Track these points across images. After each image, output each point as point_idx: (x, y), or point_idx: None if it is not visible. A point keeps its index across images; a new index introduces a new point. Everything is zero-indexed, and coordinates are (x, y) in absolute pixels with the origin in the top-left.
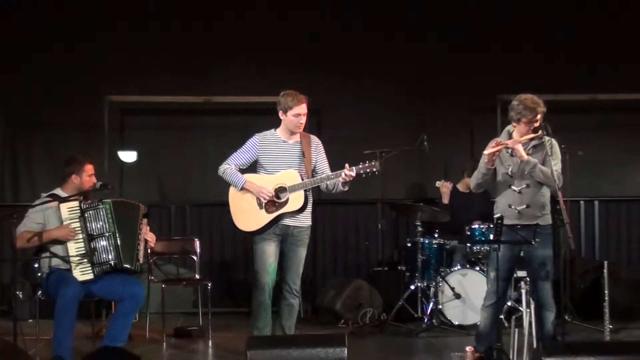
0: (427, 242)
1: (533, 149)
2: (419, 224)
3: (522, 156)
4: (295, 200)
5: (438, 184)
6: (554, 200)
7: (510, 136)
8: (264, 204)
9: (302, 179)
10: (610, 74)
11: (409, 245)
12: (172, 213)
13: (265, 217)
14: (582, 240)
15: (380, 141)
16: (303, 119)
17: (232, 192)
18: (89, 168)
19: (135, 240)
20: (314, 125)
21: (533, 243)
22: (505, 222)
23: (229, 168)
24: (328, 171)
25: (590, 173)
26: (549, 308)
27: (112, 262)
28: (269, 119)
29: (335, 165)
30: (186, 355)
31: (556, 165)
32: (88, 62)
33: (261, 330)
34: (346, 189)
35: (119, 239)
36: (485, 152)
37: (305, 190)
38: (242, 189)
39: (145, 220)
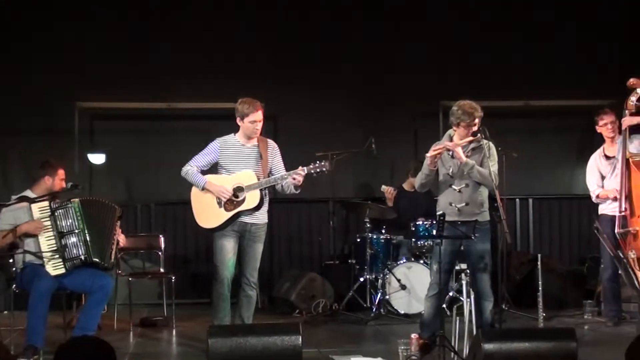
0: (375, 237)
1: (472, 151)
2: (368, 220)
3: (461, 158)
4: (251, 198)
5: (383, 188)
6: (491, 198)
7: (451, 139)
8: (223, 203)
9: (259, 179)
10: (542, 82)
11: (358, 240)
12: (138, 211)
13: (224, 215)
14: (517, 235)
15: (332, 143)
16: (259, 125)
17: (194, 192)
18: (62, 172)
19: (107, 237)
20: (270, 130)
21: (472, 238)
22: (447, 218)
23: (191, 169)
24: (282, 171)
25: (525, 173)
26: (488, 298)
27: (82, 257)
28: (227, 123)
29: (291, 166)
30: (152, 344)
31: (493, 166)
32: (58, 69)
33: (221, 319)
34: (298, 191)
35: (88, 235)
36: (428, 154)
37: (261, 190)
38: (203, 188)
39: (119, 223)
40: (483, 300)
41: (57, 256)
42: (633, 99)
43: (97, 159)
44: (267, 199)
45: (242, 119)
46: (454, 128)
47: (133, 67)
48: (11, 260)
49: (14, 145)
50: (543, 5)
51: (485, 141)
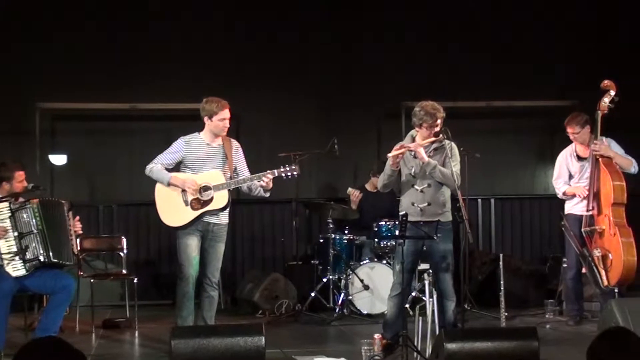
0: (338, 237)
1: (434, 151)
2: (331, 221)
3: (423, 158)
4: (219, 198)
5: (349, 191)
6: (454, 198)
7: (413, 140)
8: (189, 202)
9: (226, 180)
10: (504, 83)
11: (321, 240)
12: (100, 212)
13: (190, 214)
14: (479, 235)
15: (294, 144)
16: (227, 123)
17: (159, 189)
18: (19, 175)
19: (66, 235)
20: (232, 130)
21: (435, 238)
22: (409, 218)
23: (155, 166)
24: (247, 173)
25: (487, 174)
26: (450, 298)
27: (41, 258)
28: (189, 124)
29: (253, 166)
30: (114, 345)
31: (455, 166)
32: (19, 70)
33: (185, 319)
34: (267, 195)
35: (48, 235)
36: (390, 154)
37: (228, 190)
38: (169, 184)
39: (71, 214)
40: (445, 300)
41: (17, 257)
42: (606, 100)
43: (58, 160)
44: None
45: (210, 117)
46: (417, 129)
47: (95, 67)
48: None
49: None
50: (505, 6)
51: (447, 142)
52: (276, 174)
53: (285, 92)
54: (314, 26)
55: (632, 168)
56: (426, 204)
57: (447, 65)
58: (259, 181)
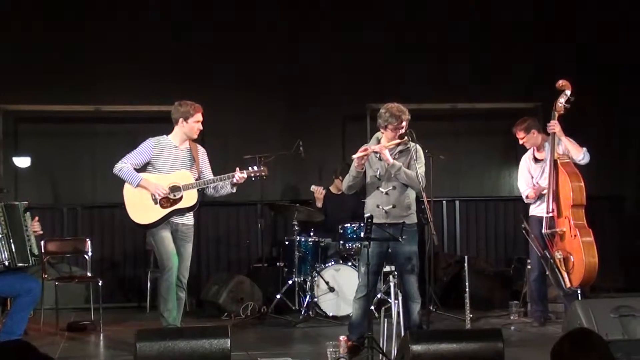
0: (303, 240)
1: (399, 153)
2: (296, 223)
3: (388, 160)
4: (189, 197)
5: (313, 188)
6: (419, 200)
7: (378, 142)
8: (158, 200)
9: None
10: (468, 85)
11: (286, 243)
12: (65, 214)
13: (160, 212)
14: (444, 237)
15: (259, 146)
16: (200, 126)
17: (127, 188)
18: None
19: (24, 236)
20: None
21: (400, 240)
22: (375, 221)
23: (125, 166)
24: (211, 175)
25: (452, 175)
26: (415, 299)
27: (5, 262)
28: (154, 126)
29: (220, 168)
30: (79, 348)
31: (420, 168)
32: None
33: (171, 311)
34: (234, 190)
35: (12, 239)
36: (355, 156)
37: (197, 190)
38: (138, 185)
39: (28, 214)
40: (411, 302)
41: None
42: (562, 100)
43: (22, 162)
44: None
45: (186, 119)
46: (382, 130)
47: (59, 69)
48: None
49: None
50: (466, 8)
51: (412, 144)
52: (245, 175)
53: (250, 94)
54: (279, 27)
55: (582, 155)
56: (391, 206)
57: (412, 68)
58: (229, 180)
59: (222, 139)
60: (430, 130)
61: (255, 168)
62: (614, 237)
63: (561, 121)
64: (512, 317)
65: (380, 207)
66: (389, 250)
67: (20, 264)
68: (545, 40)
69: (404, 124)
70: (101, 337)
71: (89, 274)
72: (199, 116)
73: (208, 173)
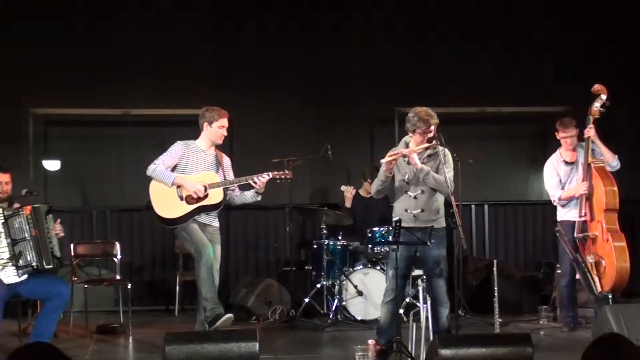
0: (331, 243)
1: (427, 157)
2: (324, 227)
3: (417, 164)
4: (215, 195)
5: (343, 188)
6: (447, 204)
7: (407, 146)
8: (184, 197)
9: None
10: (495, 89)
11: (315, 246)
12: (94, 218)
13: (185, 207)
14: (473, 241)
15: (288, 150)
16: (225, 131)
17: (153, 185)
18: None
19: (46, 238)
20: (227, 136)
21: (428, 244)
22: (403, 224)
23: (158, 167)
24: (235, 187)
25: (480, 179)
26: (444, 304)
27: (34, 265)
28: (182, 129)
29: (247, 172)
30: (108, 350)
31: (449, 172)
32: (13, 75)
33: (212, 299)
34: (259, 198)
35: (40, 242)
36: (384, 160)
37: (224, 189)
38: (174, 184)
39: (50, 216)
40: (439, 306)
41: (10, 264)
42: (597, 104)
43: (51, 165)
44: None
45: (210, 123)
46: (410, 134)
47: (88, 73)
48: None
49: None
50: (497, 14)
51: (440, 148)
52: (270, 176)
53: (278, 98)
54: (308, 33)
55: (616, 161)
56: (419, 210)
57: (440, 72)
58: (253, 183)
59: (250, 142)
60: (458, 134)
61: (281, 170)
62: None
63: (596, 125)
64: (541, 322)
65: (408, 211)
66: (417, 254)
67: (48, 267)
68: (571, 43)
69: (432, 128)
70: (130, 340)
71: (118, 277)
72: (223, 121)
73: (231, 178)
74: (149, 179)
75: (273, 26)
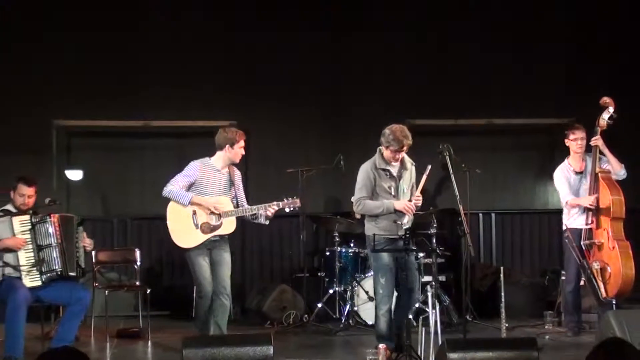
0: (343, 250)
1: (402, 170)
2: (337, 234)
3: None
4: (228, 225)
5: (353, 199)
6: (456, 213)
7: (381, 156)
8: (199, 225)
9: (233, 207)
10: (503, 102)
11: (327, 253)
12: (115, 226)
13: (200, 237)
14: (481, 249)
15: (302, 161)
16: (244, 151)
17: (170, 212)
18: (21, 187)
19: (74, 248)
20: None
21: (414, 250)
22: (389, 235)
23: (174, 188)
24: (244, 198)
25: (488, 189)
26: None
27: (58, 271)
28: (199, 140)
29: (263, 180)
30: (128, 353)
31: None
32: (37, 88)
33: (207, 326)
34: (267, 222)
35: (65, 249)
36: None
37: (236, 218)
38: (190, 203)
39: (80, 229)
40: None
41: (34, 269)
42: (605, 116)
43: (74, 175)
44: None
45: (232, 145)
46: (383, 147)
47: (109, 86)
48: None
49: None
50: (504, 27)
51: (411, 165)
52: (280, 207)
53: (293, 111)
54: (323, 47)
55: (623, 170)
56: (406, 220)
57: (450, 84)
58: (264, 212)
59: (266, 153)
60: (467, 145)
61: (290, 199)
62: None
63: (603, 136)
64: (546, 327)
65: (396, 222)
66: (398, 259)
67: (72, 274)
68: (578, 56)
69: (404, 148)
70: (149, 344)
71: (137, 283)
72: (242, 142)
73: (241, 195)
74: None
75: (290, 40)
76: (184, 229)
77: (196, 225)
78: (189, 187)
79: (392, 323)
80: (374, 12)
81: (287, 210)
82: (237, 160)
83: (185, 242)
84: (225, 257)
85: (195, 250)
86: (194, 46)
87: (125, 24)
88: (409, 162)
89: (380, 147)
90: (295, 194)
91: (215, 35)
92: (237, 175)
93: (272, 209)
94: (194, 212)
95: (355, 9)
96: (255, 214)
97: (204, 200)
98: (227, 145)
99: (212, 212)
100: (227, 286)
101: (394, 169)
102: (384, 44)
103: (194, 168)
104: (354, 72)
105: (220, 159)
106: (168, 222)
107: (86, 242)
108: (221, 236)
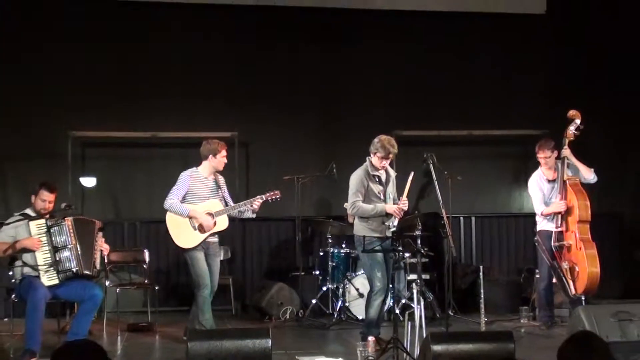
0: (336, 251)
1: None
2: (330, 236)
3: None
4: (222, 222)
5: (345, 205)
6: (439, 216)
7: (370, 163)
8: (197, 227)
9: (222, 207)
10: (482, 115)
11: (321, 254)
12: (125, 228)
13: (199, 236)
14: (462, 249)
15: (297, 168)
16: (226, 159)
17: (169, 217)
18: (43, 193)
19: (91, 250)
20: (243, 155)
21: (400, 249)
22: (379, 236)
23: (173, 202)
24: (230, 200)
25: (468, 194)
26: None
27: (74, 270)
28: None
29: (261, 187)
30: (138, 346)
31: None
32: (54, 101)
33: (208, 320)
34: (254, 216)
35: (80, 250)
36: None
37: (227, 215)
38: (189, 216)
39: (100, 234)
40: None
41: (51, 269)
42: (572, 128)
43: (88, 182)
44: None
45: (214, 155)
46: (372, 154)
47: (120, 100)
48: (10, 273)
49: (13, 170)
50: (483, 47)
51: (393, 172)
52: (263, 199)
53: (290, 123)
54: (317, 68)
55: (592, 175)
56: (395, 222)
57: (434, 99)
58: (250, 206)
59: (264, 161)
60: (450, 154)
61: (271, 192)
62: (613, 250)
63: (570, 147)
64: (522, 321)
65: (385, 223)
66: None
67: (87, 272)
68: (550, 72)
69: (390, 156)
70: (157, 337)
71: (146, 281)
72: (224, 152)
73: (227, 196)
74: None
75: (289, 55)
76: (183, 231)
77: (194, 227)
78: (184, 195)
79: (382, 312)
80: (365, 31)
81: (270, 201)
82: (221, 168)
83: (187, 243)
84: (217, 262)
85: (193, 249)
86: (198, 63)
87: (134, 46)
88: (391, 171)
89: (369, 156)
90: (275, 188)
91: (217, 52)
92: (221, 180)
93: (257, 202)
94: (190, 217)
95: (348, 30)
96: (241, 210)
97: (197, 213)
98: (210, 155)
99: (208, 213)
100: (215, 287)
101: (382, 176)
102: (375, 61)
103: (185, 178)
104: (346, 88)
105: (206, 168)
106: (169, 228)
107: (103, 246)
108: (217, 234)
